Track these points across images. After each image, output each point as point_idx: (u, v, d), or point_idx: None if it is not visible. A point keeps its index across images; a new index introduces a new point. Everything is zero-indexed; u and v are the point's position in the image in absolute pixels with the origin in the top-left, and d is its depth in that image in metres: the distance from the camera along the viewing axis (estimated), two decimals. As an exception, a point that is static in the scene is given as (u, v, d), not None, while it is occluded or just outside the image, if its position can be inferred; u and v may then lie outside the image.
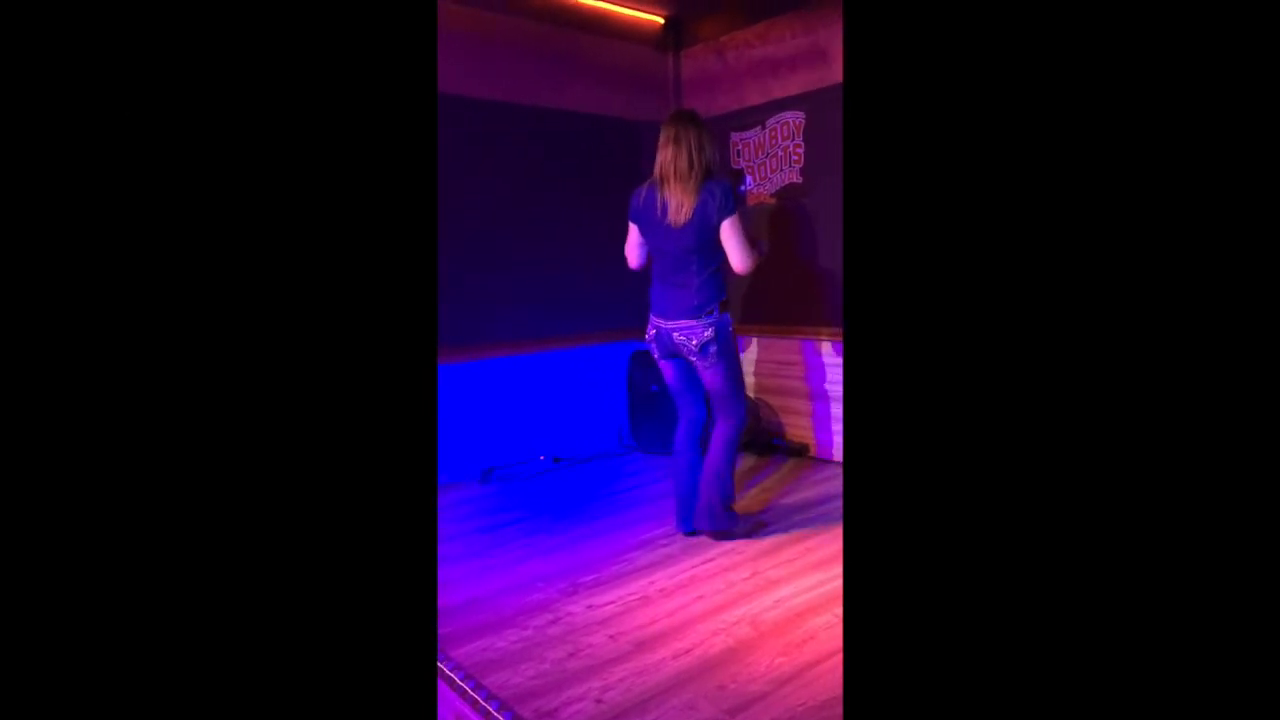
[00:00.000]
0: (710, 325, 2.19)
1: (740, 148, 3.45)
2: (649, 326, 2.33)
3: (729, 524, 2.34)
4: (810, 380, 3.31)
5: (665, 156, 2.15)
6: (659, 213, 2.18)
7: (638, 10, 3.47)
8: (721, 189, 2.14)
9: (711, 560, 2.22)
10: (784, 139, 3.27)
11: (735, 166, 3.48)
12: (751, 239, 2.23)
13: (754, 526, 2.41)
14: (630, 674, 1.62)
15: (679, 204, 2.13)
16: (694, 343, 2.21)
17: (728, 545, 2.32)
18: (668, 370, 2.39)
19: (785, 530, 2.44)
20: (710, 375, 2.27)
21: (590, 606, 1.94)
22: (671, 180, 2.14)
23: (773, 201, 3.35)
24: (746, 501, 2.73)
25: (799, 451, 3.34)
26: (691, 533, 2.40)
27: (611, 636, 1.78)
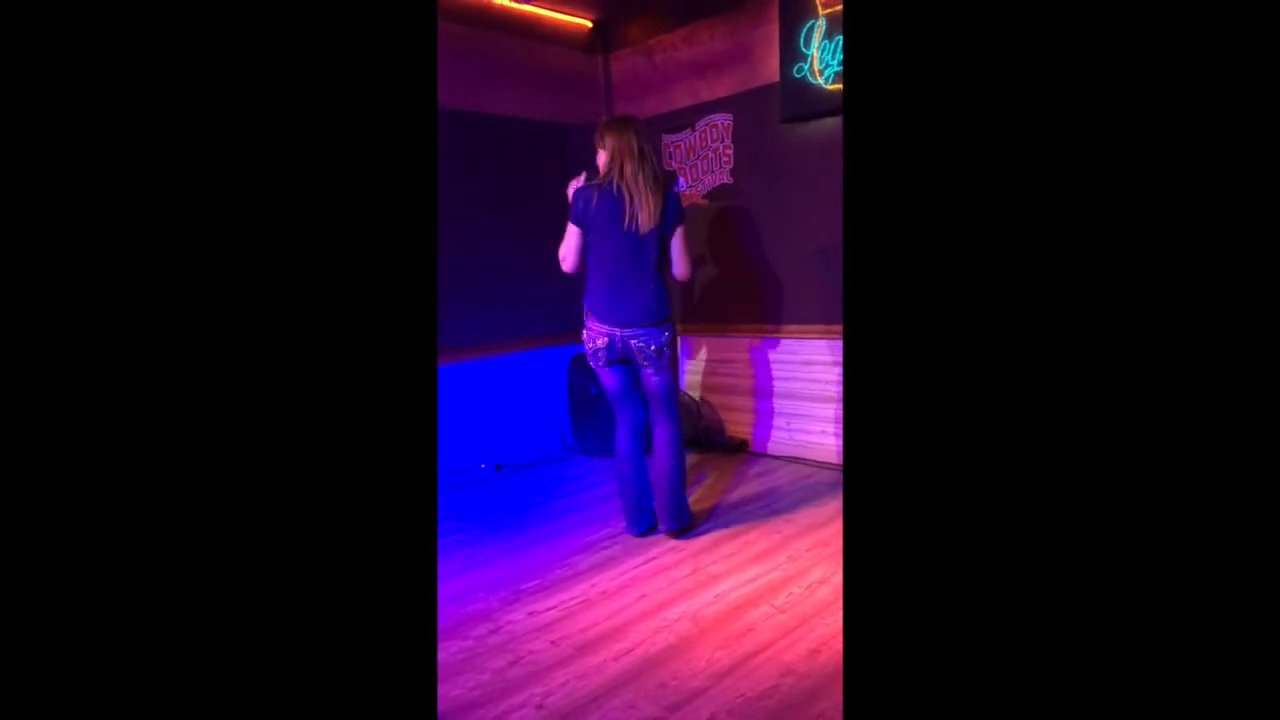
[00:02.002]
0: (667, 331, 2.28)
1: (672, 150, 3.49)
2: (594, 334, 2.27)
3: (691, 518, 2.45)
4: (750, 377, 3.36)
5: (631, 167, 2.17)
6: (624, 219, 2.18)
7: (566, 14, 3.47)
8: (677, 199, 2.27)
9: (653, 559, 2.23)
10: (714, 141, 3.32)
11: (667, 168, 3.51)
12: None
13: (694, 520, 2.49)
14: (572, 678, 1.61)
15: (650, 214, 2.18)
16: (653, 348, 2.26)
17: (670, 543, 2.34)
18: (611, 377, 2.35)
19: (726, 525, 2.47)
20: (659, 379, 2.32)
21: (532, 613, 1.93)
22: (642, 190, 2.18)
23: (705, 203, 3.40)
24: (692, 498, 2.75)
25: (738, 447, 3.39)
26: (645, 533, 2.41)
27: (553, 642, 1.77)
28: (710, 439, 3.46)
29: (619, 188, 2.19)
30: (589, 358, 2.35)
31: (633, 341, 2.25)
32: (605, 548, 2.34)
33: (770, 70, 3.04)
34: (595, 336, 2.28)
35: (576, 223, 2.25)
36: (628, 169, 2.18)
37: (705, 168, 3.37)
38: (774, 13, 2.97)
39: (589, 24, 3.58)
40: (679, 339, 2.47)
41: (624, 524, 2.47)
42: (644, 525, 2.40)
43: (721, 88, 3.26)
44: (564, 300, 3.55)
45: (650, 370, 2.30)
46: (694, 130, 3.38)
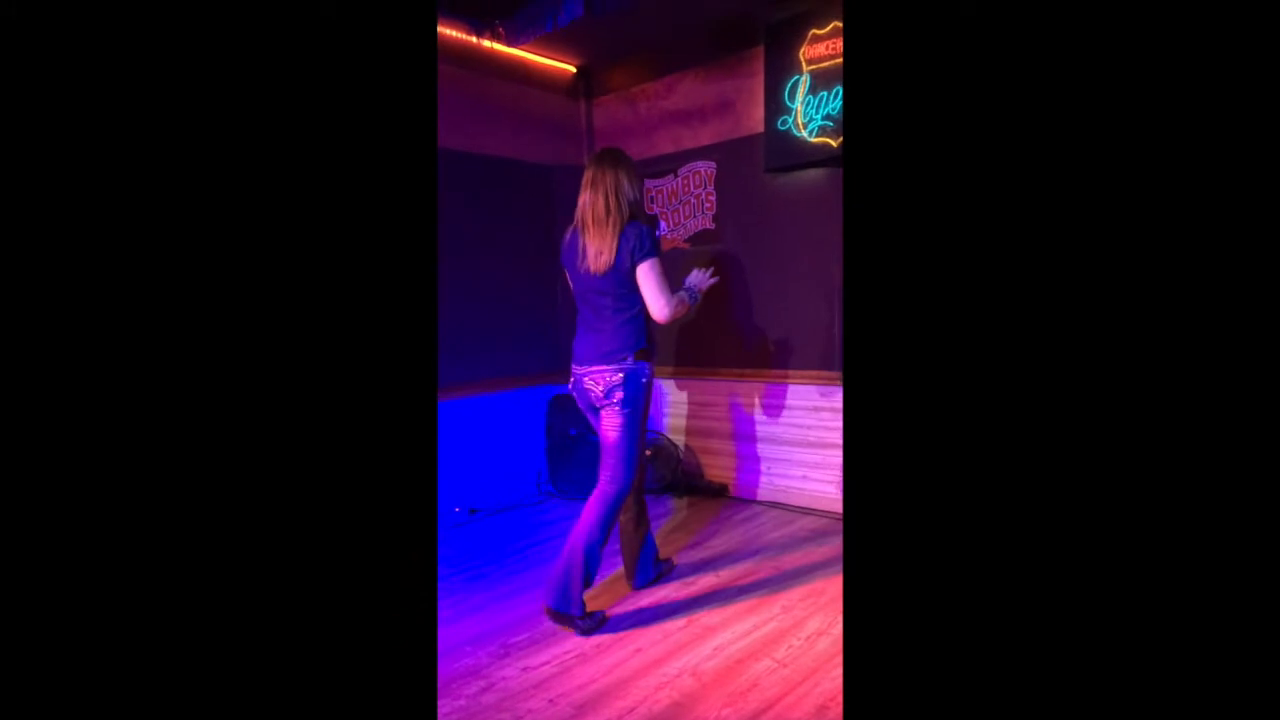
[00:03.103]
0: (620, 371, 2.03)
1: (654, 194, 3.52)
2: (571, 376, 2.20)
3: (578, 610, 2.02)
4: (731, 421, 3.36)
5: (583, 200, 2.06)
6: (579, 257, 2.08)
7: (551, 59, 3.51)
8: (638, 232, 2.01)
9: (644, 610, 2.17)
10: (696, 187, 3.37)
11: (650, 212, 3.54)
12: (671, 286, 2.06)
13: (596, 624, 2.07)
14: (575, 740, 1.54)
15: (597, 250, 2.02)
16: (600, 388, 2.05)
17: (660, 594, 2.29)
18: (594, 423, 2.22)
19: (715, 573, 2.43)
20: (608, 425, 2.07)
21: (525, 669, 1.85)
22: (589, 225, 2.04)
23: (687, 247, 3.43)
24: (671, 545, 2.71)
25: (718, 491, 3.37)
26: (644, 585, 2.34)
27: (550, 700, 1.70)
28: (691, 483, 3.44)
29: (578, 225, 2.10)
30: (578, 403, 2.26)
31: (585, 380, 2.10)
32: (594, 597, 2.27)
33: (754, 121, 3.12)
34: (571, 378, 2.19)
35: (562, 261, 2.20)
36: (581, 204, 2.07)
37: (688, 212, 3.41)
38: (759, 66, 3.05)
39: (573, 69, 3.63)
40: (652, 385, 2.15)
41: (612, 569, 2.41)
42: (641, 580, 2.35)
43: (705, 136, 3.32)
44: (543, 340, 3.51)
45: (603, 415, 2.08)
46: (677, 176, 3.43)
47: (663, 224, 3.50)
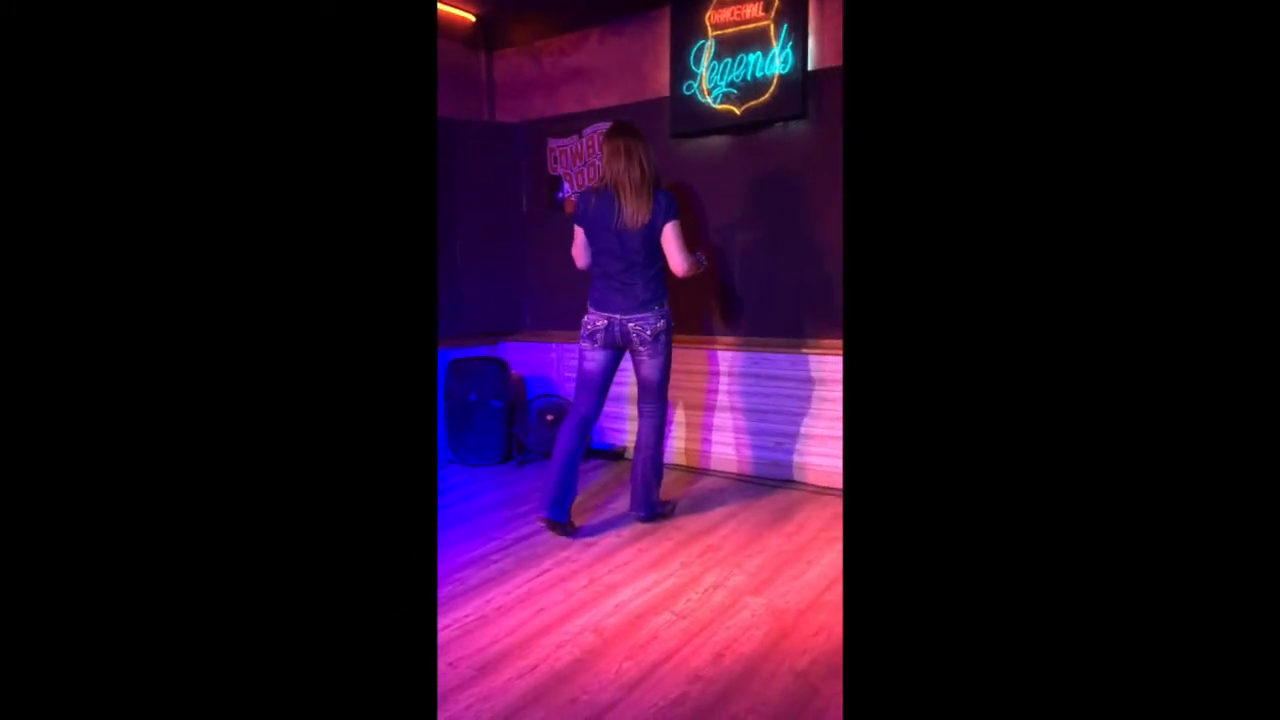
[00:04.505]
0: (662, 317, 2.41)
1: (558, 154, 3.46)
2: (594, 318, 2.43)
3: (662, 508, 2.62)
4: (633, 385, 3.39)
5: (619, 167, 2.31)
6: (613, 219, 2.32)
7: (447, 4, 3.34)
8: (667, 197, 2.34)
9: (548, 571, 2.18)
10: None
11: (553, 173, 3.48)
12: (690, 247, 2.42)
13: (673, 507, 2.69)
14: (476, 700, 1.54)
15: (633, 211, 2.30)
16: (648, 332, 2.40)
17: (562, 554, 2.30)
18: (595, 361, 2.45)
19: (617, 534, 2.47)
20: (650, 365, 2.45)
21: (424, 634, 1.82)
22: (627, 189, 2.30)
23: (590, 209, 3.39)
24: (575, 507, 2.72)
25: (617, 455, 3.41)
26: (560, 525, 2.41)
27: (451, 664, 1.68)
28: (592, 446, 3.45)
29: (609, 189, 2.33)
30: (582, 338, 2.45)
31: (630, 324, 2.39)
32: (496, 561, 2.26)
33: (660, 85, 3.10)
34: (594, 319, 2.43)
35: (579, 224, 2.41)
36: (615, 171, 2.32)
37: (592, 174, 3.37)
38: (665, 29, 3.03)
39: (472, 18, 3.47)
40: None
41: (514, 533, 2.41)
42: (559, 516, 2.41)
43: (611, 97, 3.28)
44: (441, 303, 3.39)
45: (644, 355, 2.43)
46: (581, 136, 3.37)
47: (565, 185, 3.45)
